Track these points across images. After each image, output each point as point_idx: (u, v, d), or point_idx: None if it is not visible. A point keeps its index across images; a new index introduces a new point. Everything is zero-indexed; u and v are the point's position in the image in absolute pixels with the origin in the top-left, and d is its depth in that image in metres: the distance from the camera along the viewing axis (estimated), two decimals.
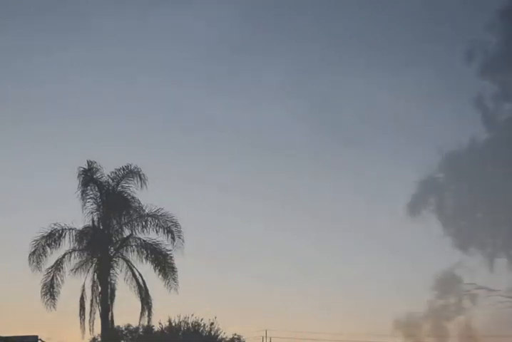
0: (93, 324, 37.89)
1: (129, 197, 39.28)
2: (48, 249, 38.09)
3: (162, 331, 40.74)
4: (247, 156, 75.33)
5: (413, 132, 74.10)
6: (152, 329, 40.65)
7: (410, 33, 75.20)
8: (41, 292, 37.77)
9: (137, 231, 39.09)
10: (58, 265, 38.08)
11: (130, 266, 38.93)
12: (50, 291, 37.75)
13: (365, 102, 75.90)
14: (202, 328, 40.69)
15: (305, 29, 76.49)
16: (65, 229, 38.45)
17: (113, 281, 38.51)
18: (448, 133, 71.36)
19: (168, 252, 38.77)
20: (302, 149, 75.80)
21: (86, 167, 38.99)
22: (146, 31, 77.20)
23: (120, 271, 38.84)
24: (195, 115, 75.36)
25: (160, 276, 38.65)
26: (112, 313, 38.33)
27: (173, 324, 40.77)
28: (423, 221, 63.95)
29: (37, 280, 37.79)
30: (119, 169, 39.44)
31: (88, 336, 38.92)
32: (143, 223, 39.04)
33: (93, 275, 38.28)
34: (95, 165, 39.03)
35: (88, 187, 38.91)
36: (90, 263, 38.48)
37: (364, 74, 75.22)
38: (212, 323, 40.75)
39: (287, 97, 76.56)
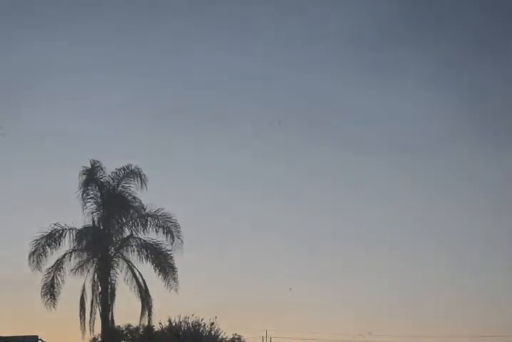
0: (93, 324, 38.03)
1: (129, 197, 39.33)
2: (48, 249, 38.16)
3: (162, 331, 40.66)
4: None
5: None
6: (153, 329, 40.55)
7: None
8: (41, 292, 37.86)
9: (137, 231, 39.19)
10: (58, 265, 38.12)
11: (130, 266, 38.97)
12: (50, 291, 37.79)
13: None
14: (202, 328, 40.58)
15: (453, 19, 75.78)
16: (66, 229, 38.52)
17: (113, 281, 38.60)
18: None
19: (168, 252, 38.85)
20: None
21: (89, 166, 39.07)
22: None
23: (120, 271, 38.97)
24: None
25: (160, 276, 38.77)
26: (112, 313, 38.41)
27: (173, 324, 40.67)
28: None
29: (37, 280, 37.94)
30: (120, 169, 39.52)
31: (88, 336, 38.92)
32: (143, 223, 39.11)
33: (93, 275, 38.35)
34: (98, 165, 39.10)
35: (89, 187, 38.97)
36: (90, 264, 38.53)
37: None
38: (212, 323, 40.61)
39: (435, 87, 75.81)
